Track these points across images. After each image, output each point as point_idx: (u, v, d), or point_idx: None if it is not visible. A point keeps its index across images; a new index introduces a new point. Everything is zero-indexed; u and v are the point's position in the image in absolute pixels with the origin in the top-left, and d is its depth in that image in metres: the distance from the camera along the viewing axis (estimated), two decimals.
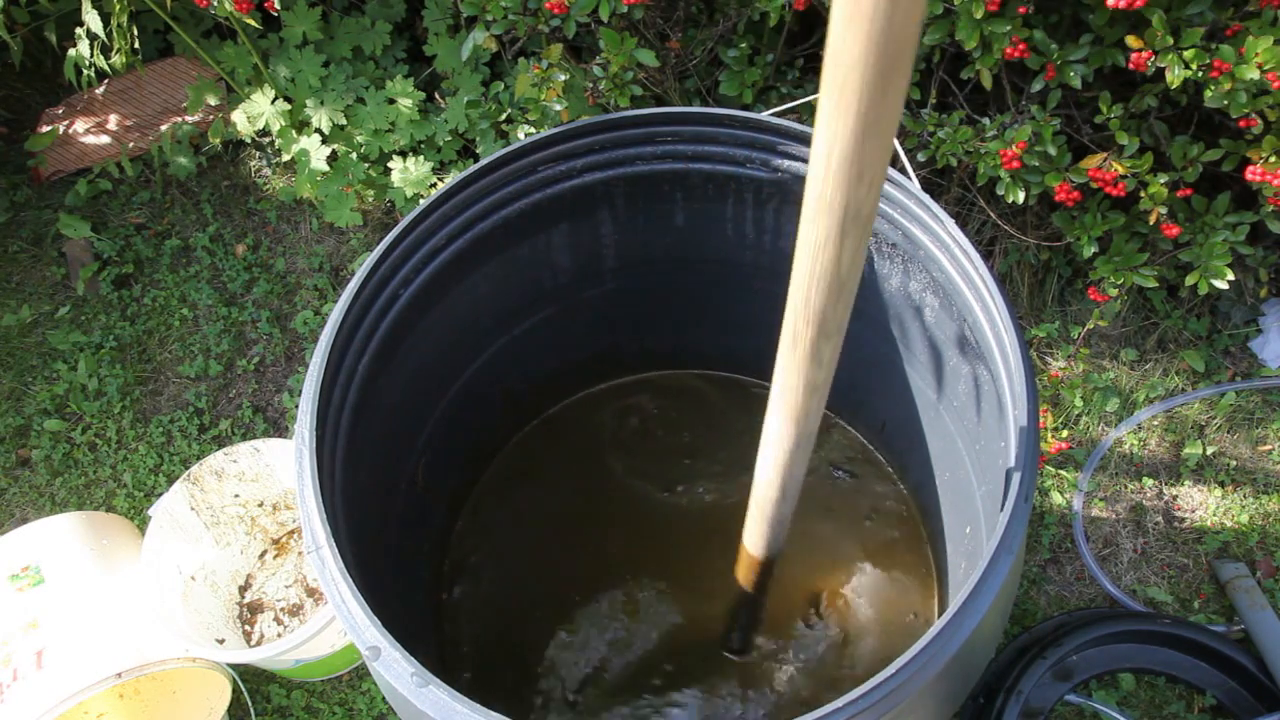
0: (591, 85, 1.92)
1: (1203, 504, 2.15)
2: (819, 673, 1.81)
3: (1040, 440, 1.68)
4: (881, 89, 0.65)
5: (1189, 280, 1.82)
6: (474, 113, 2.31)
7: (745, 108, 1.99)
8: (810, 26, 2.07)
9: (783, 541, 1.29)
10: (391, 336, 1.51)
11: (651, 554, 1.96)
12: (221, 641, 2.04)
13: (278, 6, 2.15)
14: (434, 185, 2.37)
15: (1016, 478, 1.17)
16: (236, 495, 2.14)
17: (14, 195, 2.83)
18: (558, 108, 1.92)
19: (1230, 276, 1.78)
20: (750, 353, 2.08)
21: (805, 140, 1.49)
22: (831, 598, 1.88)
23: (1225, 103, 1.56)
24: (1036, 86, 1.72)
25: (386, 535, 1.64)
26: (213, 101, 2.63)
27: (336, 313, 1.36)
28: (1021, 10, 1.61)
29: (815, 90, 1.99)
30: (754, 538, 1.27)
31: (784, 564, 1.91)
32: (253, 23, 2.15)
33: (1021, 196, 1.80)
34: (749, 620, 1.57)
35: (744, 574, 1.36)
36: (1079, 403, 2.21)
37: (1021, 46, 1.64)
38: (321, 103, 2.38)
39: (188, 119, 2.72)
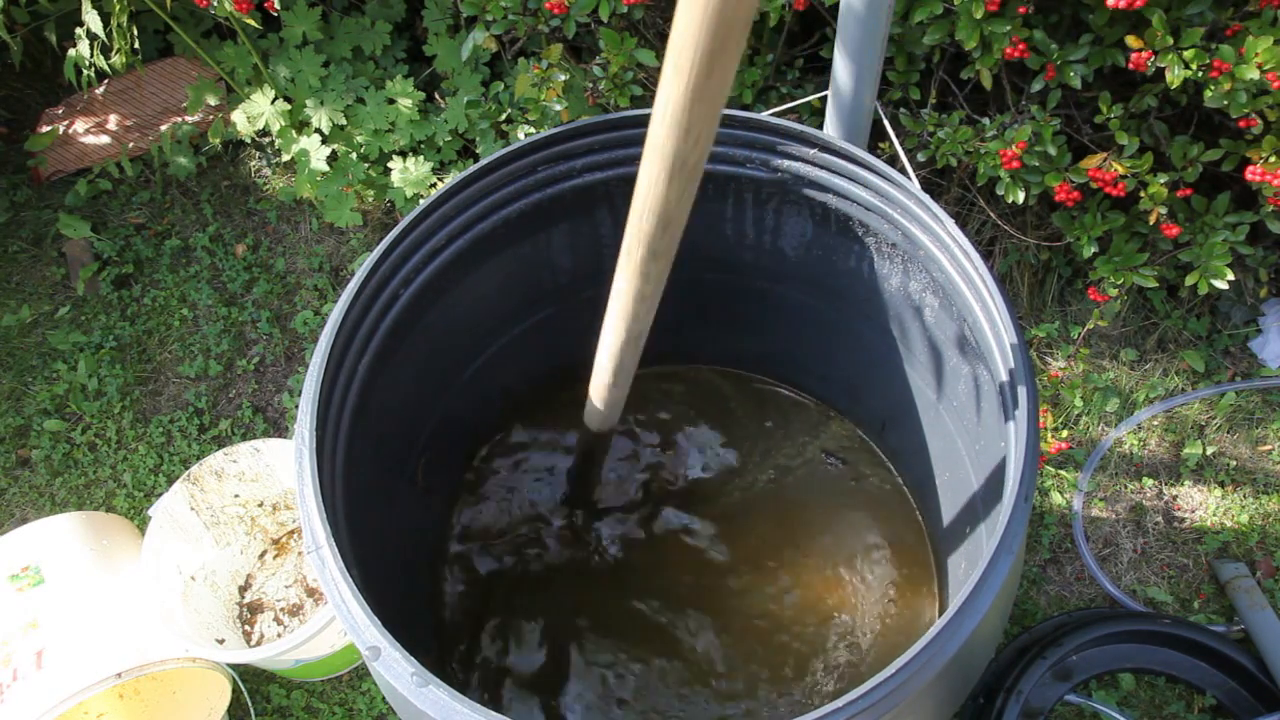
0: (591, 85, 1.92)
1: (1203, 504, 2.15)
2: (818, 673, 1.81)
3: (1040, 440, 1.68)
4: (709, 65, 0.76)
5: (1189, 280, 1.82)
6: (474, 113, 2.31)
7: (745, 108, 1.99)
8: (810, 26, 2.07)
9: (614, 422, 1.50)
10: (391, 336, 1.51)
11: (651, 550, 1.96)
12: (221, 641, 2.04)
13: (278, 6, 2.15)
14: (434, 185, 2.37)
15: (1016, 478, 1.17)
16: (236, 495, 2.14)
17: (14, 195, 2.83)
18: (558, 108, 1.92)
19: (1230, 276, 1.78)
20: (750, 351, 2.08)
21: (805, 140, 1.49)
22: (831, 598, 1.88)
23: (1225, 103, 1.56)
24: (1036, 86, 1.72)
25: (386, 535, 1.63)
26: (213, 101, 2.63)
27: (336, 313, 1.36)
28: (1021, 10, 1.61)
29: (815, 90, 2.00)
30: (591, 415, 1.47)
31: (784, 564, 1.92)
32: (253, 23, 2.15)
33: (1021, 196, 1.80)
34: (589, 479, 1.80)
35: (582, 444, 1.60)
36: (1079, 403, 2.21)
37: (1021, 46, 1.64)
38: (321, 103, 2.38)
39: (188, 119, 2.72)
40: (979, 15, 1.60)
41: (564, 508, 1.91)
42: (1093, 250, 1.88)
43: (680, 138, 0.84)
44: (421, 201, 1.98)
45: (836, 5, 1.73)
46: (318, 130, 2.39)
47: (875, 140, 1.93)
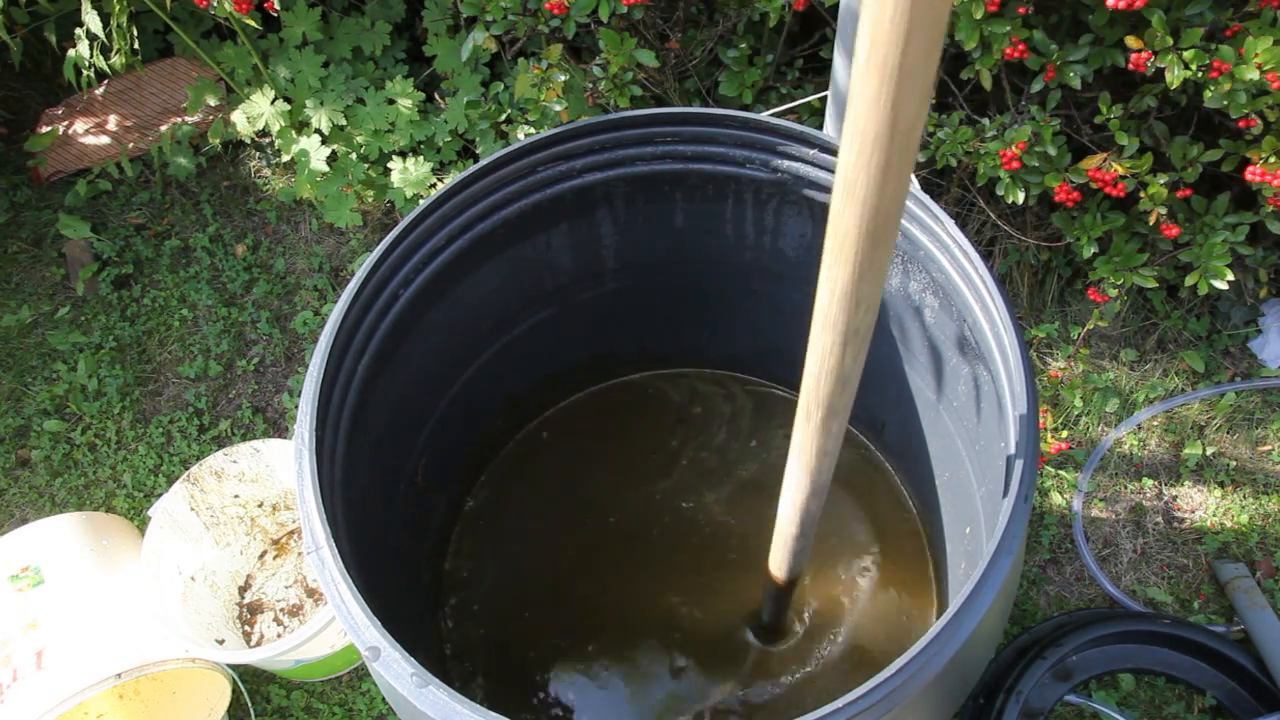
0: (591, 85, 1.92)
1: (1202, 504, 2.15)
2: (818, 673, 1.81)
3: (1040, 440, 1.68)
4: (871, 248, 0.82)
5: (1189, 280, 1.82)
6: (474, 113, 2.31)
7: (745, 108, 1.99)
8: (810, 27, 2.07)
9: (801, 568, 1.51)
10: (391, 337, 1.51)
11: (651, 553, 1.96)
12: (221, 642, 2.04)
13: (278, 7, 2.15)
14: (434, 185, 2.37)
15: (1016, 478, 1.17)
16: (236, 496, 2.14)
17: (14, 195, 2.83)
18: (557, 108, 1.92)
19: (1230, 277, 1.78)
20: (750, 353, 2.08)
21: (805, 140, 1.49)
22: (831, 597, 1.88)
23: (1225, 103, 1.56)
24: (1036, 87, 1.72)
25: (386, 535, 1.63)
26: (212, 102, 2.63)
27: (336, 313, 1.36)
28: (1021, 10, 1.61)
29: (815, 90, 2.00)
30: (777, 564, 1.50)
31: None
32: (252, 23, 2.15)
33: (1021, 197, 1.80)
34: (773, 623, 1.81)
35: (770, 592, 1.63)
36: (1079, 403, 2.21)
37: (1021, 47, 1.64)
38: (321, 103, 2.38)
39: (187, 119, 2.72)
40: (979, 15, 1.60)
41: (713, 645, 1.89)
42: (1093, 250, 1.88)
43: (851, 311, 0.91)
44: (421, 202, 1.98)
45: (836, 5, 1.73)
46: (318, 130, 2.39)
47: None
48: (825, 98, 1.62)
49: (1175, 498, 2.17)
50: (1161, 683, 1.96)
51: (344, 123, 2.38)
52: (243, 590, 2.23)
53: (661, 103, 2.16)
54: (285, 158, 2.43)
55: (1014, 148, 1.74)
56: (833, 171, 1.50)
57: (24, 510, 2.40)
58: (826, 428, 1.13)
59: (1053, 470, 2.20)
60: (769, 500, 2.01)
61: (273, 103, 2.40)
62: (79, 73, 2.32)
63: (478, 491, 2.06)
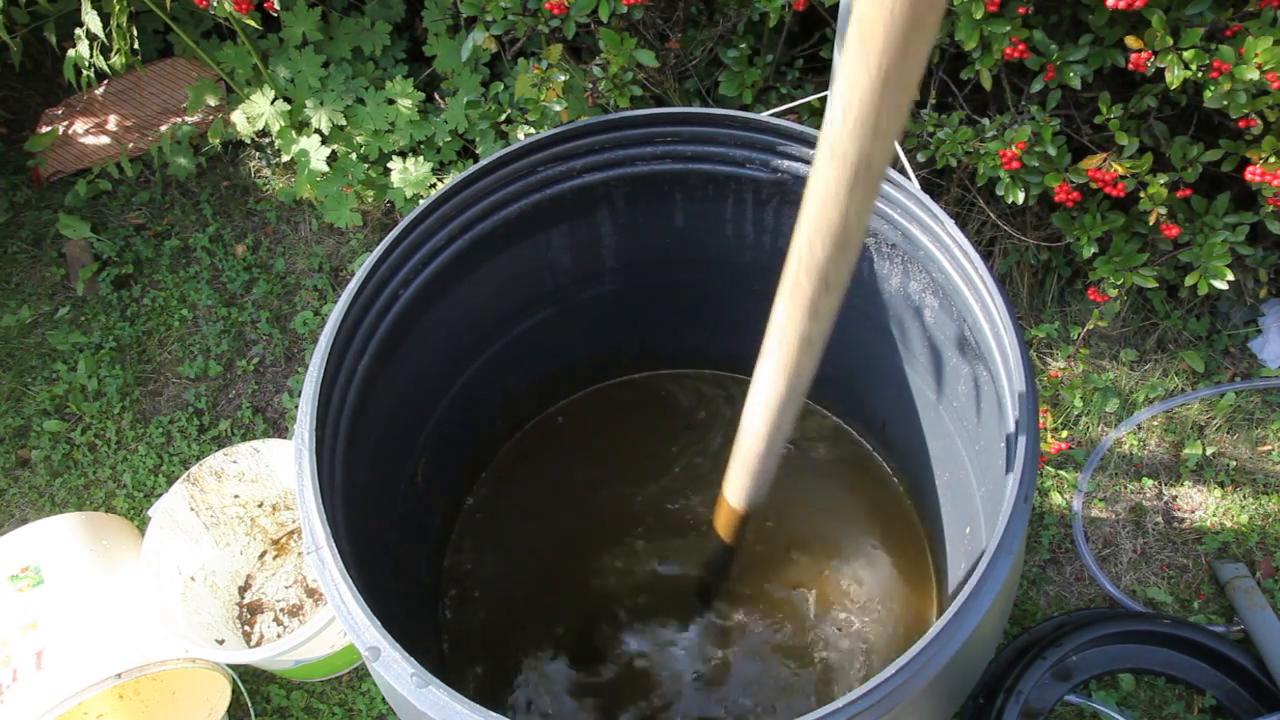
0: (591, 86, 1.92)
1: (1202, 504, 2.15)
2: (818, 673, 1.81)
3: (1040, 440, 1.68)
4: (904, 45, 0.65)
5: (1189, 280, 1.82)
6: (474, 113, 2.31)
7: (745, 108, 1.99)
8: (810, 26, 2.07)
9: (764, 497, 1.27)
10: (391, 337, 1.51)
11: (652, 553, 1.96)
12: (221, 642, 2.04)
13: (277, 7, 2.15)
14: (434, 186, 2.37)
15: (1016, 478, 1.17)
16: (236, 496, 2.14)
17: (14, 195, 2.83)
18: (557, 108, 1.92)
19: (1230, 277, 1.78)
20: (751, 353, 2.07)
21: (805, 140, 1.49)
22: (831, 598, 1.88)
23: (1225, 103, 1.56)
24: (1036, 87, 1.72)
25: (386, 535, 1.63)
26: (212, 102, 2.63)
27: (336, 313, 1.36)
28: (1021, 11, 1.61)
29: (815, 90, 2.00)
30: (735, 489, 1.25)
31: (783, 563, 1.92)
32: (252, 23, 2.15)
33: (1021, 197, 1.80)
34: (720, 572, 1.55)
35: (722, 526, 1.34)
36: (1079, 403, 2.21)
37: (1021, 47, 1.64)
38: (321, 103, 2.38)
39: (187, 119, 2.72)
40: (979, 15, 1.60)
41: (698, 601, 1.71)
42: (1092, 250, 1.88)
43: (867, 136, 0.72)
44: (421, 202, 1.98)
45: (836, 5, 1.73)
46: (317, 130, 2.39)
47: None
48: (825, 98, 1.62)
49: (1175, 498, 2.17)
50: (1161, 683, 1.96)
51: (344, 123, 2.38)
52: (243, 590, 2.23)
53: (661, 103, 2.16)
54: (285, 158, 2.43)
55: (1014, 148, 1.74)
56: None
57: (24, 510, 2.40)
58: (814, 307, 0.90)
59: (1053, 470, 2.20)
60: (768, 500, 2.01)
61: (273, 103, 2.40)
62: (79, 73, 2.32)
63: (477, 491, 2.06)
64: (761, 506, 1.29)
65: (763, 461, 1.14)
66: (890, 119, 0.72)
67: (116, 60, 2.29)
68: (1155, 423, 2.24)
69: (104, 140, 2.77)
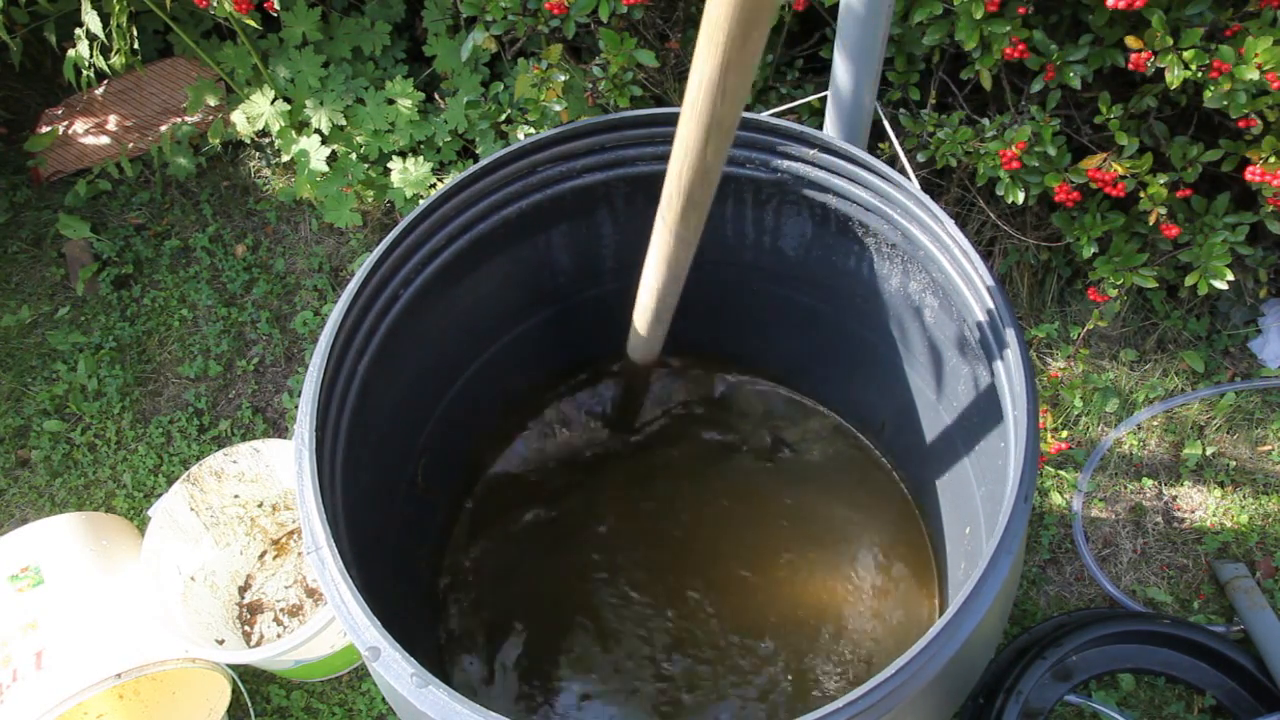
0: (591, 85, 1.92)
1: (1202, 504, 2.15)
2: (818, 673, 1.81)
3: (1040, 440, 1.68)
4: (741, 39, 0.88)
5: (1189, 280, 1.82)
6: (474, 113, 2.31)
7: (745, 108, 1.99)
8: (810, 26, 2.07)
9: (655, 354, 1.63)
10: (391, 337, 1.51)
11: (651, 553, 1.96)
12: (221, 642, 2.04)
13: (277, 7, 2.15)
14: (434, 186, 2.37)
15: (1016, 478, 1.17)
16: (236, 496, 2.14)
17: (14, 195, 2.83)
18: (557, 108, 1.92)
19: (1230, 277, 1.78)
20: (750, 352, 2.08)
21: (805, 141, 1.49)
22: (830, 597, 1.88)
23: (1225, 103, 1.56)
24: (1036, 87, 1.72)
25: (386, 535, 1.64)
26: (212, 102, 2.63)
27: (336, 313, 1.36)
28: (1021, 11, 1.61)
29: (815, 90, 2.00)
30: (635, 348, 1.59)
31: (782, 562, 1.92)
32: (252, 23, 2.15)
33: (1021, 197, 1.80)
34: (631, 407, 1.92)
35: (625, 373, 1.72)
36: (1079, 403, 2.21)
37: (1021, 47, 1.64)
38: (321, 103, 2.38)
39: (187, 119, 2.72)
40: (978, 16, 1.60)
41: (609, 432, 2.00)
42: (1092, 251, 1.88)
43: (716, 101, 0.96)
44: (421, 202, 1.98)
45: (836, 5, 1.73)
46: (317, 130, 2.39)
47: (875, 140, 1.93)
48: (825, 98, 1.62)
49: (1175, 498, 2.17)
50: (1161, 683, 1.96)
51: (344, 123, 2.38)
52: (243, 590, 2.23)
53: (661, 103, 2.16)
54: (285, 158, 2.43)
55: (1014, 148, 1.74)
56: (832, 172, 1.50)
57: (24, 510, 2.40)
58: (684, 217, 1.18)
59: (1053, 470, 2.20)
60: (768, 500, 2.02)
61: (273, 103, 2.40)
62: (79, 73, 2.32)
63: (478, 491, 2.06)
64: (654, 360, 1.66)
65: (652, 328, 1.49)
66: (734, 92, 0.96)
67: (116, 60, 2.29)
68: (1155, 423, 2.24)
69: (104, 140, 2.77)
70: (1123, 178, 1.71)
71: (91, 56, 2.29)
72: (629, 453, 2.09)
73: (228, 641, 2.06)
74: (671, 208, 1.17)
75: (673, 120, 1.54)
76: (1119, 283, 1.87)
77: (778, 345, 2.00)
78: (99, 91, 2.79)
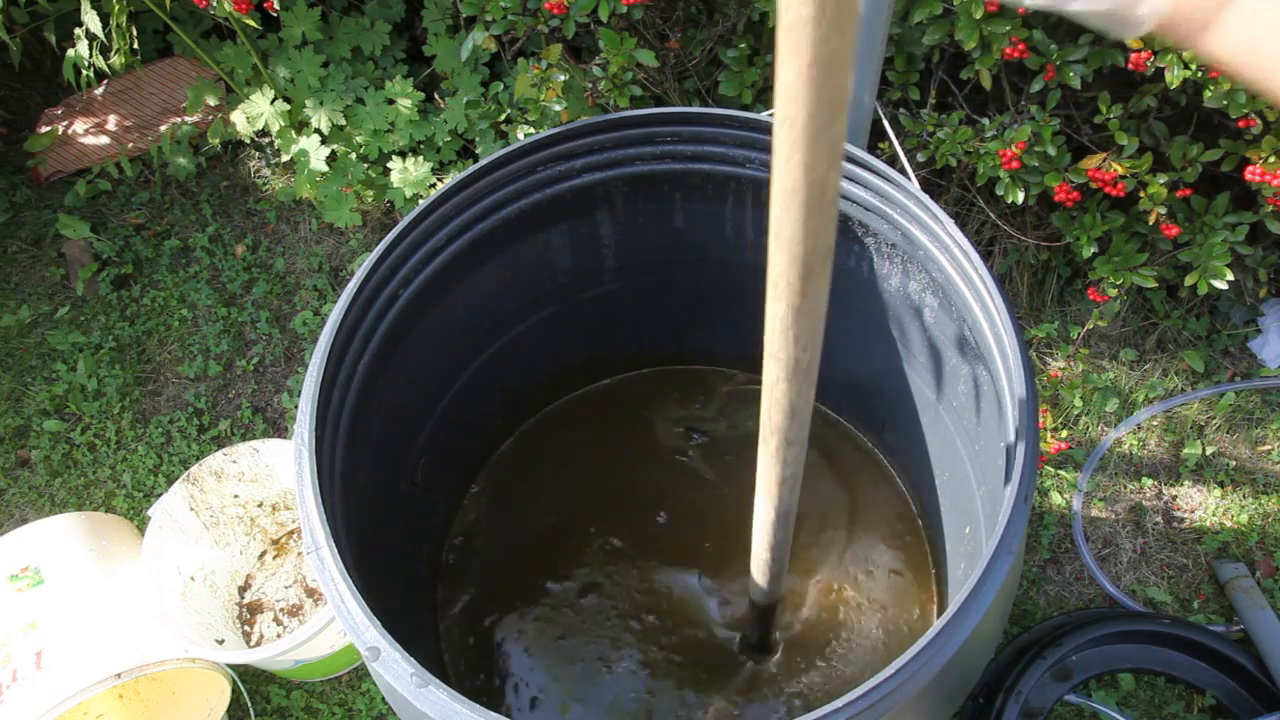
0: (591, 85, 1.92)
1: (1202, 504, 2.15)
2: (818, 673, 1.81)
3: (1040, 440, 1.68)
4: (804, 286, 0.90)
5: (1188, 280, 1.82)
6: (473, 113, 2.31)
7: (745, 108, 1.99)
8: None
9: (779, 594, 1.53)
10: (391, 337, 1.51)
11: (651, 553, 1.96)
12: (221, 642, 2.04)
13: (277, 7, 2.15)
14: (433, 185, 2.37)
15: (1016, 478, 1.17)
16: (236, 496, 2.14)
17: (13, 195, 2.83)
18: (557, 108, 1.92)
19: (1230, 276, 1.78)
20: (749, 353, 2.07)
21: None
22: (831, 597, 1.88)
23: (1224, 103, 1.56)
24: (1036, 87, 1.72)
25: (386, 535, 1.64)
26: (212, 102, 2.63)
27: (336, 313, 1.36)
28: (1021, 10, 1.61)
29: None
30: (755, 589, 1.50)
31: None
32: (252, 23, 2.15)
33: (1021, 197, 1.80)
34: (760, 642, 1.81)
35: (755, 613, 1.64)
36: (1078, 403, 2.21)
37: (1021, 47, 1.64)
38: (321, 103, 2.38)
39: (187, 119, 2.72)
40: (978, 15, 1.60)
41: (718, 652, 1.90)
42: (1092, 250, 1.88)
43: (792, 345, 0.98)
44: (421, 202, 1.98)
45: None
46: (317, 130, 2.39)
47: (875, 140, 1.93)
48: None
49: (1175, 498, 2.17)
50: (1161, 682, 1.96)
51: (344, 123, 2.38)
52: (242, 590, 2.23)
53: (661, 103, 2.16)
54: (285, 158, 2.43)
55: (1014, 148, 1.74)
56: None
57: (24, 510, 2.40)
58: (782, 456, 1.16)
59: (1052, 470, 2.20)
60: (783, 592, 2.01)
61: (272, 103, 2.40)
62: (78, 73, 2.32)
63: (477, 491, 2.06)
64: (779, 598, 1.57)
65: (770, 568, 1.40)
66: (807, 336, 0.96)
67: (116, 60, 2.29)
68: (1155, 423, 2.24)
69: (104, 140, 2.77)
70: (1123, 177, 1.71)
71: (91, 56, 2.29)
72: (628, 454, 2.09)
73: (227, 641, 2.06)
74: (767, 446, 1.16)
75: (673, 120, 1.55)
76: (1119, 282, 1.87)
77: None
78: (99, 91, 2.79)
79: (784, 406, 1.09)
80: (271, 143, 2.74)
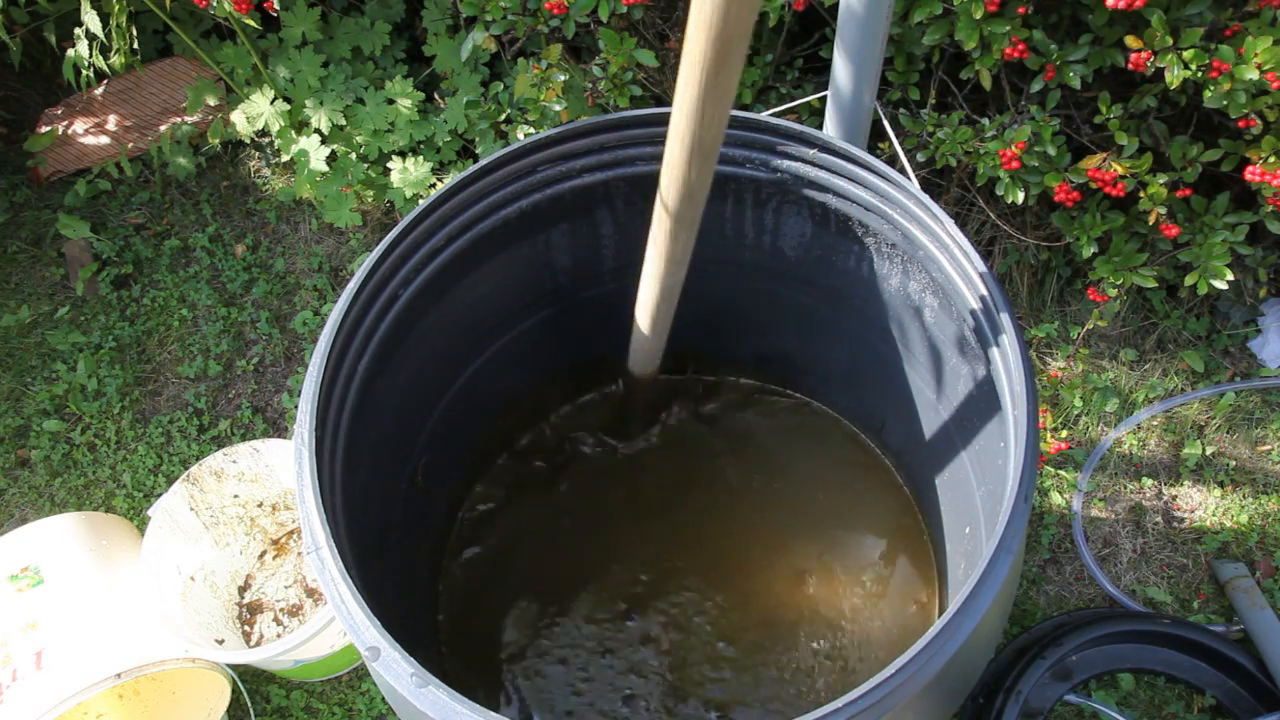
0: (591, 85, 1.92)
1: (1202, 504, 2.15)
2: (818, 673, 1.81)
3: (1040, 440, 1.68)
4: (716, 71, 0.95)
5: (1188, 280, 1.82)
6: (473, 113, 2.31)
7: (745, 108, 1.99)
8: (810, 26, 2.07)
9: (654, 368, 1.68)
10: (391, 337, 1.51)
11: (651, 553, 1.96)
12: (221, 642, 2.04)
13: (277, 7, 2.15)
14: (433, 185, 2.37)
15: (1016, 478, 1.17)
16: (236, 496, 2.14)
17: (14, 195, 2.83)
18: (557, 108, 1.92)
19: (1229, 276, 1.78)
20: (749, 353, 2.08)
21: (805, 140, 1.49)
22: (831, 597, 1.88)
23: (1224, 103, 1.56)
24: (1036, 87, 1.72)
25: (386, 535, 1.64)
26: (212, 102, 2.63)
27: (336, 313, 1.36)
28: (1021, 10, 1.61)
29: (814, 90, 2.00)
30: (634, 362, 1.63)
31: (784, 562, 1.92)
32: (252, 23, 2.15)
33: (1021, 197, 1.80)
34: (632, 417, 1.98)
35: (626, 384, 1.78)
36: (1078, 403, 2.21)
37: (1021, 47, 1.64)
38: (321, 103, 2.38)
39: (187, 119, 2.72)
40: (978, 15, 1.60)
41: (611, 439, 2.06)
42: (1092, 250, 1.88)
43: (697, 125, 1.03)
44: (421, 202, 1.98)
45: (836, 5, 1.73)
46: (317, 130, 2.39)
47: (875, 140, 1.93)
48: (825, 97, 1.62)
49: (1175, 497, 2.17)
50: (1161, 682, 1.96)
51: (344, 123, 2.38)
52: (242, 590, 2.23)
53: (661, 103, 2.16)
54: (285, 158, 2.43)
55: (1014, 148, 1.74)
56: (832, 172, 1.50)
57: (24, 510, 2.40)
58: (674, 235, 1.24)
59: (1052, 470, 2.20)
60: (767, 499, 2.02)
61: (272, 103, 2.40)
62: (78, 73, 2.32)
63: (477, 491, 2.06)
64: (653, 373, 1.71)
65: (649, 342, 1.52)
66: (713, 117, 1.02)
67: (116, 60, 2.29)
68: (1155, 423, 2.24)
69: (104, 140, 2.77)
70: (1122, 177, 1.71)
71: (91, 56, 2.29)
72: (630, 455, 2.09)
73: (227, 641, 2.06)
74: (661, 226, 1.23)
75: None
76: (1119, 282, 1.87)
77: (778, 345, 2.00)
78: (99, 91, 2.79)
79: (683, 188, 1.14)
80: (271, 143, 2.74)
